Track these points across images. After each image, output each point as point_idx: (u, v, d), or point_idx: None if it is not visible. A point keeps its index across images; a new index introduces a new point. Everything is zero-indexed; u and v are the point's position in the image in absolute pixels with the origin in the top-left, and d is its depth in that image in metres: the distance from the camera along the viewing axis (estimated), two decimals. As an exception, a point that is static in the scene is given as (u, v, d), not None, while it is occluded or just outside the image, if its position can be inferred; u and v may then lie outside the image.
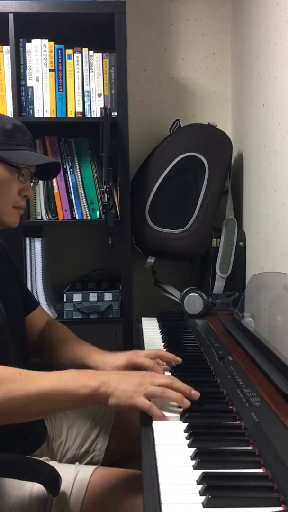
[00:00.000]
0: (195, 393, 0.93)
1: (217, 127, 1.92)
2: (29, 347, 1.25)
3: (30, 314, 1.30)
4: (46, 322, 1.34)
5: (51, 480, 0.89)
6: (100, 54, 1.83)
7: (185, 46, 2.14)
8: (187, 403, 0.90)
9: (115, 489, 0.98)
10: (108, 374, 0.93)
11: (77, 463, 1.10)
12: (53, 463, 0.95)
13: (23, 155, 1.09)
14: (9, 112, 1.80)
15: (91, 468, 1.03)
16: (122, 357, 1.12)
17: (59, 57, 1.82)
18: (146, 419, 0.88)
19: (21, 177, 1.10)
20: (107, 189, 1.70)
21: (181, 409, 0.90)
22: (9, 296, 1.15)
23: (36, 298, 1.85)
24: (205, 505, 0.62)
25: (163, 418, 0.87)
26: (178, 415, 0.89)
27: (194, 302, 1.67)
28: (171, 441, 0.80)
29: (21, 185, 1.11)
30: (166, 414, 0.88)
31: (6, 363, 0.92)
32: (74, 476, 1.00)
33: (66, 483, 0.97)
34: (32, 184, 1.16)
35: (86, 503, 0.96)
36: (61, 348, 1.23)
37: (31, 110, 1.82)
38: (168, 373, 1.10)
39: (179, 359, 1.14)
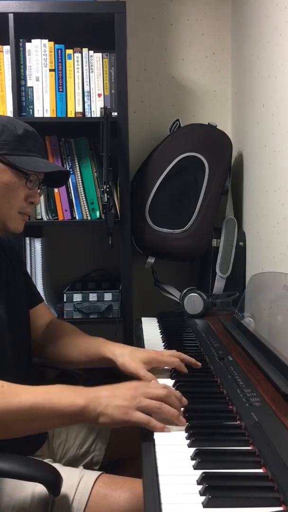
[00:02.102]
0: (184, 401, 0.91)
1: (217, 127, 1.93)
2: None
3: (33, 308, 1.29)
4: (52, 319, 1.34)
5: (53, 480, 0.89)
6: (100, 54, 1.83)
7: (185, 46, 2.14)
8: (183, 421, 0.85)
9: (118, 498, 0.97)
10: (97, 390, 0.86)
11: (81, 467, 1.10)
12: (57, 466, 0.94)
13: (32, 161, 1.07)
14: (9, 112, 1.80)
15: (96, 474, 1.02)
16: (145, 353, 1.11)
17: (59, 57, 1.82)
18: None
19: (29, 183, 1.09)
20: (107, 189, 1.70)
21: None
22: (12, 292, 1.15)
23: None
24: (205, 505, 0.62)
25: (165, 430, 0.83)
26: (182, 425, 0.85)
27: (194, 302, 1.67)
28: (171, 441, 0.80)
29: (28, 191, 1.09)
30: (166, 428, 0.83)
31: (3, 362, 0.91)
32: (79, 480, 0.99)
33: (70, 486, 0.97)
34: (39, 191, 1.15)
35: (88, 508, 0.96)
36: (71, 341, 1.22)
37: (31, 110, 1.82)
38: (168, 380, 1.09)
39: (199, 364, 1.14)
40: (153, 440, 0.81)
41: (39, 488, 0.95)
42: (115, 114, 1.80)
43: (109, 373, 1.17)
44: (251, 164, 1.87)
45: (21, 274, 1.25)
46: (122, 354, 1.10)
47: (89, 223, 1.88)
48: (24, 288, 1.24)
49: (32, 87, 1.82)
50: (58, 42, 1.82)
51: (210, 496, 0.63)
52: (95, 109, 1.84)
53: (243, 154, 1.98)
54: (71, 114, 1.84)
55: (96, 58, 1.83)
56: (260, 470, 0.70)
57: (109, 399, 0.84)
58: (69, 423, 0.91)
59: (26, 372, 1.15)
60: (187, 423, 0.85)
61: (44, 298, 1.86)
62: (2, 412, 0.83)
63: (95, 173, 1.87)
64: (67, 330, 1.28)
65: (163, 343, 1.39)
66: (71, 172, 1.86)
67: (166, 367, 1.14)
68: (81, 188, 1.85)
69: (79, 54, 1.83)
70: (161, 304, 1.94)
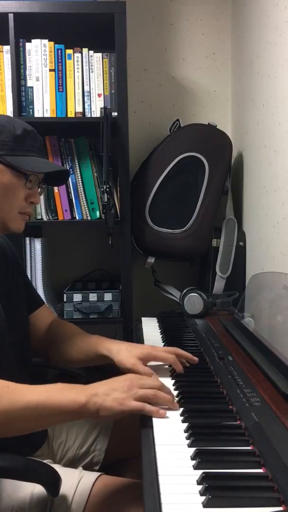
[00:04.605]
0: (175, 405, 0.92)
1: (217, 127, 1.92)
2: (33, 346, 1.25)
3: (35, 312, 1.29)
4: (52, 320, 1.34)
5: (51, 481, 0.89)
6: (100, 54, 1.83)
7: (185, 46, 2.13)
8: (176, 406, 0.91)
9: (117, 499, 0.97)
10: (95, 386, 0.91)
11: (80, 468, 1.10)
12: (56, 467, 0.94)
13: (31, 161, 1.07)
14: (9, 112, 1.81)
15: (95, 474, 1.03)
16: (140, 348, 1.12)
17: (59, 57, 1.82)
18: (146, 419, 0.88)
19: (29, 184, 1.09)
20: (107, 189, 1.70)
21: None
22: (11, 296, 1.15)
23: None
24: (205, 505, 0.62)
25: (160, 414, 0.87)
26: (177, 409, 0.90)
27: (194, 302, 1.67)
28: (171, 441, 0.80)
29: (28, 191, 1.09)
30: (161, 411, 0.88)
31: (1, 367, 0.92)
32: (78, 481, 0.99)
33: (69, 487, 0.97)
34: (39, 190, 1.15)
35: (87, 510, 0.96)
36: (71, 342, 1.22)
37: (31, 110, 1.82)
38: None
39: (196, 358, 1.15)
40: (153, 440, 0.81)
41: (38, 489, 0.95)
42: (115, 114, 1.80)
43: (108, 373, 1.17)
44: (251, 164, 1.87)
45: (20, 276, 1.25)
46: (118, 351, 1.11)
47: (89, 223, 1.88)
48: (24, 291, 1.24)
49: (32, 87, 1.82)
50: (58, 42, 1.82)
51: (210, 496, 0.63)
52: (95, 109, 1.84)
53: (243, 154, 1.98)
54: (71, 114, 1.84)
55: (96, 58, 1.83)
56: (260, 470, 0.70)
57: (107, 392, 0.88)
58: (70, 419, 0.94)
59: (26, 372, 1.15)
60: (187, 423, 0.84)
61: (44, 299, 1.87)
62: (8, 411, 0.85)
63: (95, 173, 1.87)
64: (67, 330, 1.28)
65: (163, 343, 1.39)
66: (71, 172, 1.86)
67: (165, 366, 1.14)
68: (81, 188, 1.85)
69: (79, 54, 1.83)
70: (161, 304, 1.94)
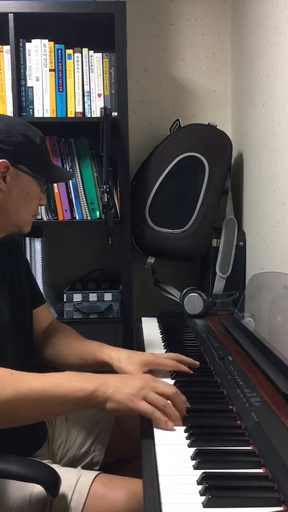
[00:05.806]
0: (188, 406, 0.90)
1: (217, 127, 1.93)
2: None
3: (35, 309, 1.29)
4: (51, 321, 1.34)
5: (51, 481, 0.89)
6: (100, 54, 1.83)
7: (185, 46, 2.13)
8: (180, 424, 0.85)
9: (116, 498, 0.97)
10: (106, 376, 0.89)
11: (79, 467, 1.10)
12: (55, 466, 0.94)
13: (54, 171, 1.14)
14: (9, 112, 1.80)
15: (93, 473, 1.02)
16: (142, 356, 1.11)
17: (59, 57, 1.82)
18: (146, 419, 0.88)
19: (44, 190, 1.15)
20: (107, 189, 1.70)
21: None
22: (17, 293, 1.16)
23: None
24: (205, 505, 0.62)
25: (167, 426, 0.83)
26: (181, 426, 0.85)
27: (194, 302, 1.67)
28: (171, 441, 0.80)
29: (40, 196, 1.16)
30: (169, 423, 0.83)
31: (3, 363, 0.91)
32: (76, 480, 0.99)
33: (67, 487, 0.97)
34: None
35: (86, 509, 0.96)
36: (69, 345, 1.22)
37: (31, 110, 1.82)
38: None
39: (197, 363, 1.14)
40: (153, 440, 0.81)
41: (37, 489, 0.95)
42: (115, 114, 1.80)
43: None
44: (251, 164, 1.87)
45: (26, 273, 1.25)
46: (119, 358, 1.10)
47: (89, 223, 1.87)
48: (29, 288, 1.24)
49: (32, 87, 1.82)
50: (58, 42, 1.82)
51: (210, 496, 0.63)
52: (95, 109, 1.84)
53: (243, 154, 1.98)
54: (71, 114, 1.84)
55: (96, 58, 1.83)
56: (260, 470, 0.70)
57: (118, 385, 0.86)
58: (77, 408, 0.93)
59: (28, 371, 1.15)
60: (187, 423, 0.84)
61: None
62: (12, 398, 0.84)
63: (95, 173, 1.86)
64: (65, 333, 1.28)
65: (163, 343, 1.39)
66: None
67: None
68: (81, 188, 1.85)
69: (79, 54, 1.83)
70: (161, 304, 1.94)
